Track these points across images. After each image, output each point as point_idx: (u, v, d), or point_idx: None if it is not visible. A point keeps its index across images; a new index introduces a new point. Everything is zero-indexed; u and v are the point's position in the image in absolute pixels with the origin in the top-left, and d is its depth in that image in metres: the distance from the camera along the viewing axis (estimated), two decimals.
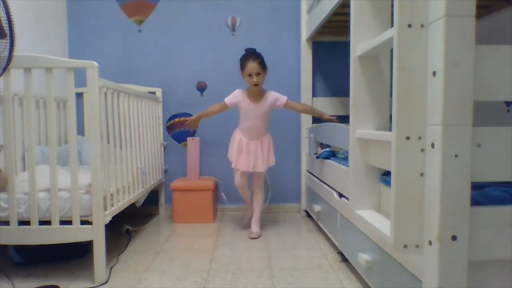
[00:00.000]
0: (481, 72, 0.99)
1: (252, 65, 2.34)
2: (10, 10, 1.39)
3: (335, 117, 2.52)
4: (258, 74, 2.35)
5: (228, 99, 2.47)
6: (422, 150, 1.06)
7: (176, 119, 3.15)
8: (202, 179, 2.98)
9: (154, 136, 2.89)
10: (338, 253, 2.10)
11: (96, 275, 1.75)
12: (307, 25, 2.90)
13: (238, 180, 2.54)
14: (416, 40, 1.04)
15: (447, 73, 0.95)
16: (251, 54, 2.38)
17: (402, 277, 1.23)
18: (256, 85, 2.37)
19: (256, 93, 2.44)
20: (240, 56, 2.43)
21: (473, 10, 0.95)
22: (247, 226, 2.65)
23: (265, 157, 2.50)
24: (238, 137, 2.51)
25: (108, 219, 1.82)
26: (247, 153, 2.47)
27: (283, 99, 2.49)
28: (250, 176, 2.60)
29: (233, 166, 2.53)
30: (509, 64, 1.00)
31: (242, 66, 2.39)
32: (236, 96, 2.46)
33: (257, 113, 2.44)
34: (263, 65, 2.38)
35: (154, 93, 3.04)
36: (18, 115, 2.10)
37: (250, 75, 2.35)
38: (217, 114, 2.58)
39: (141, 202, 2.55)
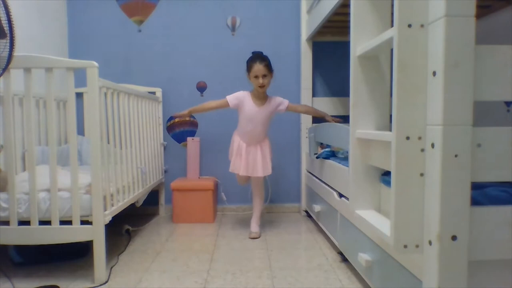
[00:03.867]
0: (481, 72, 0.99)
1: (258, 67, 2.33)
2: (10, 10, 1.39)
3: (340, 119, 2.47)
4: (264, 76, 2.35)
5: (230, 98, 2.43)
6: (422, 150, 1.06)
7: (176, 119, 3.15)
8: (202, 179, 2.98)
9: (154, 136, 2.89)
10: (338, 253, 2.10)
11: (96, 275, 1.75)
12: (307, 25, 2.90)
13: (239, 182, 2.69)
14: (416, 40, 1.04)
15: (447, 73, 0.95)
16: (258, 56, 2.38)
17: (402, 277, 1.23)
18: (262, 86, 2.36)
19: (261, 96, 2.43)
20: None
21: (473, 10, 0.95)
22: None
23: (264, 163, 2.48)
24: (237, 141, 2.51)
25: (108, 219, 1.82)
26: (246, 158, 2.47)
27: (285, 102, 2.49)
28: None
29: (230, 169, 2.53)
30: (509, 64, 1.00)
31: (249, 68, 2.38)
32: (239, 96, 2.43)
33: (260, 118, 2.43)
34: (269, 68, 2.38)
35: (154, 93, 3.04)
36: (18, 115, 2.10)
37: (256, 76, 2.35)
38: (213, 110, 2.52)
39: (141, 202, 2.55)
